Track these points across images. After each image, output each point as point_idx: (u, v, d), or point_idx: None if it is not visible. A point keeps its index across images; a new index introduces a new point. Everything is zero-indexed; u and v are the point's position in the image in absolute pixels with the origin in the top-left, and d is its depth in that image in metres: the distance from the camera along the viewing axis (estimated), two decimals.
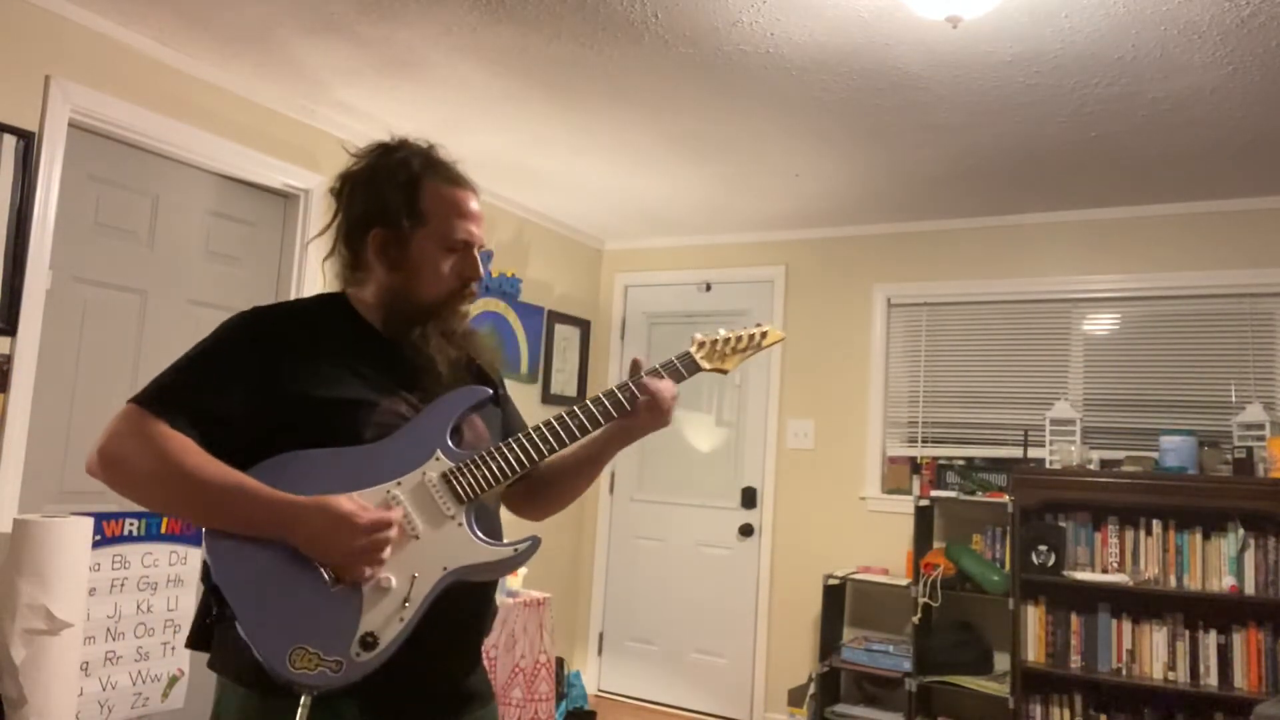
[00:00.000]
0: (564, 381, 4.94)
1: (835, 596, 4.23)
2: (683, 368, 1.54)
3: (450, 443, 1.35)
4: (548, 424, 1.41)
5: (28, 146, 2.60)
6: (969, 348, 4.34)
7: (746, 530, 4.68)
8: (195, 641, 1.33)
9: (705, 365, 1.56)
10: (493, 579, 1.41)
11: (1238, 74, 2.71)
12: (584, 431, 1.43)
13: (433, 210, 1.40)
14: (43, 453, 2.71)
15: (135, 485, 1.26)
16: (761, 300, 4.83)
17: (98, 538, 2.57)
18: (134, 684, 2.71)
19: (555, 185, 4.23)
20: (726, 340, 1.59)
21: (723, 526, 4.76)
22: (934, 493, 4.07)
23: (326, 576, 1.25)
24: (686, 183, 4.07)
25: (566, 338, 4.97)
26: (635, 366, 1.51)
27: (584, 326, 5.11)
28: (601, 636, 5.01)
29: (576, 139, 3.58)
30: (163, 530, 2.80)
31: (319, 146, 3.50)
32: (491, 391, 1.44)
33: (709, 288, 5.01)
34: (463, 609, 1.35)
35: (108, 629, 2.64)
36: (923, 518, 4.03)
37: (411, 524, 1.30)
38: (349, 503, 1.24)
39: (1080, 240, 4.13)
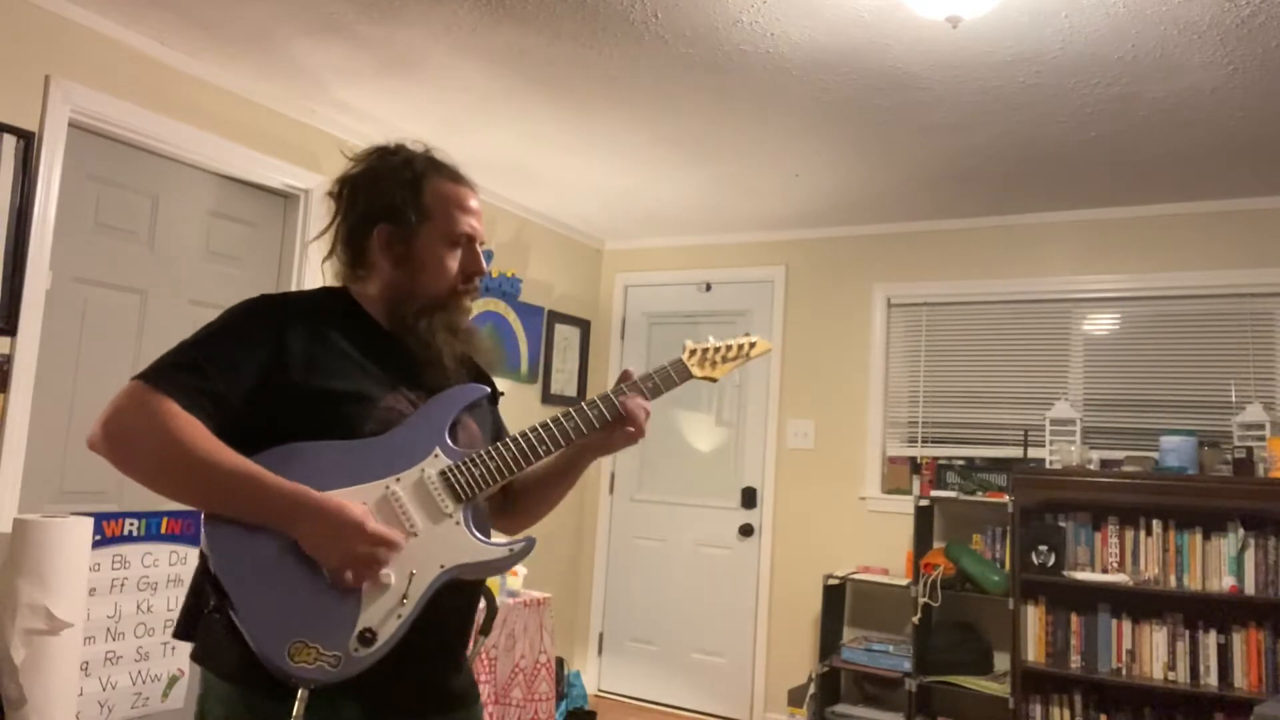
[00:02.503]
0: (564, 381, 4.94)
1: (835, 596, 4.23)
2: (675, 374, 1.56)
3: (449, 440, 1.36)
4: (544, 425, 1.42)
5: (28, 146, 2.60)
6: (969, 348, 4.34)
7: (746, 530, 4.68)
8: (182, 631, 1.32)
9: (696, 372, 1.59)
10: (486, 578, 1.42)
11: (1238, 74, 2.71)
12: (579, 434, 1.44)
13: (436, 206, 1.43)
14: (43, 453, 2.71)
15: (138, 463, 1.25)
16: (761, 300, 4.83)
17: (98, 538, 2.57)
18: (134, 684, 2.71)
19: (555, 185, 4.23)
20: (717, 349, 1.61)
21: (723, 526, 4.76)
22: (934, 493, 4.06)
23: (326, 571, 1.25)
24: (686, 183, 4.07)
25: (566, 338, 4.97)
26: (624, 377, 1.52)
27: (584, 326, 5.11)
28: (601, 636, 5.01)
29: (576, 139, 3.57)
30: (163, 530, 2.80)
31: (319, 146, 3.50)
32: (489, 390, 1.46)
33: (709, 288, 5.01)
34: (452, 608, 1.36)
35: (108, 629, 2.64)
36: (923, 518, 4.03)
37: (410, 521, 1.30)
38: (358, 509, 1.24)
39: (1080, 240, 4.13)
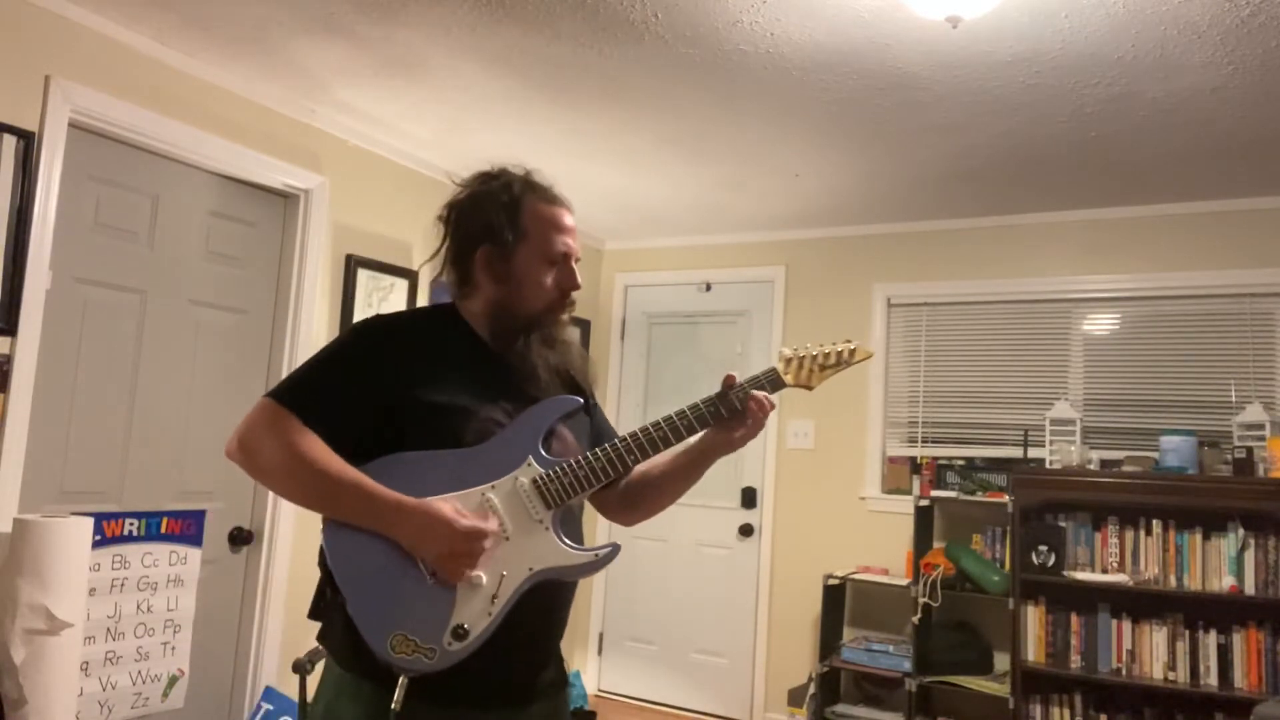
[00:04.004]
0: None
1: (835, 596, 4.23)
2: (767, 384, 1.59)
3: (542, 450, 1.45)
4: (634, 435, 1.49)
5: (28, 146, 2.60)
6: (969, 348, 4.34)
7: (746, 530, 4.68)
8: (314, 613, 1.47)
9: (789, 381, 1.61)
10: (573, 580, 1.50)
11: (1238, 74, 2.71)
12: (667, 443, 1.51)
13: (533, 226, 1.54)
14: (43, 453, 2.71)
15: (267, 474, 1.41)
16: (761, 300, 4.83)
17: (98, 538, 2.57)
18: (134, 684, 2.71)
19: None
20: (814, 357, 1.63)
21: (723, 526, 4.76)
22: (934, 493, 4.06)
23: (425, 571, 1.36)
24: (686, 183, 4.07)
25: None
26: (728, 382, 1.56)
27: (584, 326, 5.11)
28: (601, 636, 5.01)
29: (576, 139, 3.58)
30: (163, 530, 2.80)
31: (319, 146, 3.50)
32: (582, 401, 1.54)
33: (709, 288, 5.01)
34: (542, 607, 1.45)
35: (108, 629, 2.64)
36: (923, 518, 4.03)
37: (503, 526, 1.40)
38: (449, 509, 1.36)
39: (1080, 240, 4.13)
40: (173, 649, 2.81)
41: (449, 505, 1.37)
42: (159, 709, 2.78)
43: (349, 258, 3.61)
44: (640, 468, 1.58)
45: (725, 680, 4.64)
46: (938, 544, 4.10)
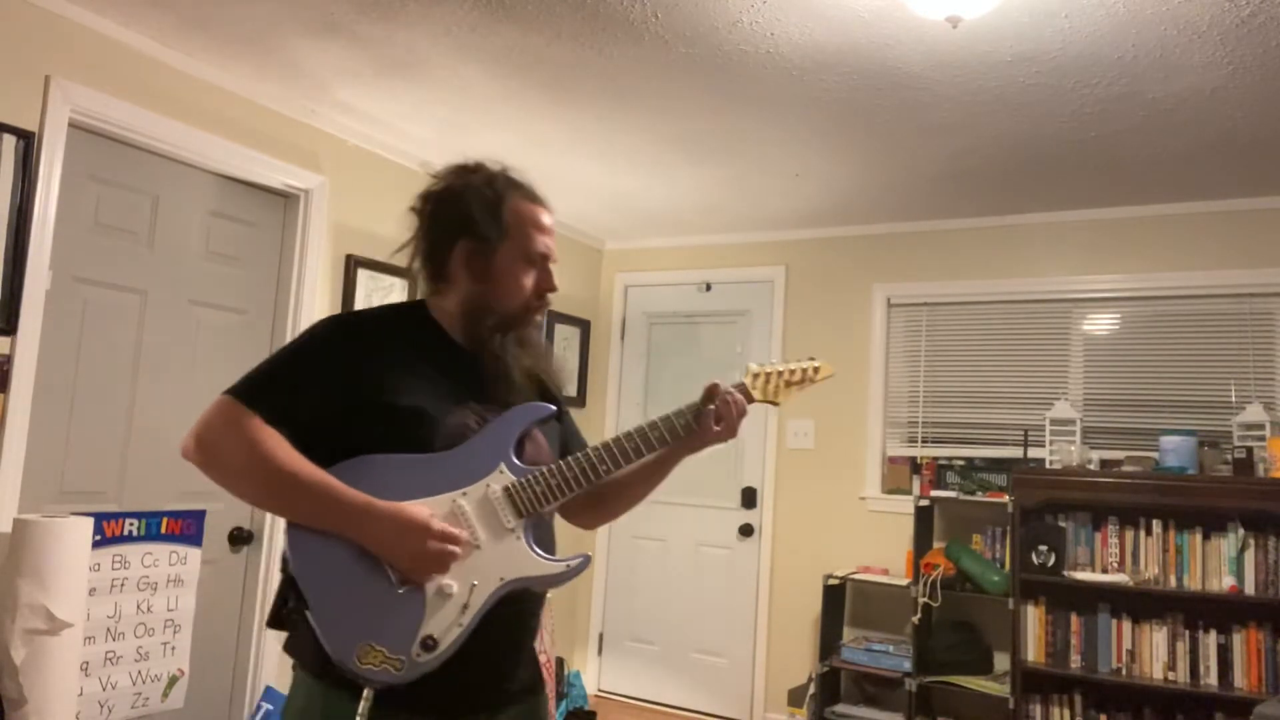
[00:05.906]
0: (563, 381, 4.93)
1: (835, 596, 4.23)
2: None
3: (514, 457, 1.42)
4: (606, 445, 1.46)
5: (28, 146, 2.60)
6: (969, 348, 4.34)
7: (746, 530, 4.68)
8: (273, 622, 1.41)
9: (758, 397, 1.60)
10: (544, 590, 1.48)
11: (1238, 74, 2.71)
12: (639, 454, 1.48)
13: (515, 225, 1.49)
14: (43, 453, 2.71)
15: (226, 474, 1.35)
16: (761, 300, 4.83)
17: (98, 538, 2.57)
18: (134, 684, 2.71)
19: (555, 185, 4.23)
20: (780, 374, 1.63)
21: (723, 526, 4.76)
22: (934, 493, 4.07)
23: (393, 578, 1.32)
24: (686, 183, 4.07)
25: (566, 338, 4.97)
26: (711, 391, 1.53)
27: (584, 326, 5.11)
28: (601, 636, 5.01)
29: (576, 139, 3.58)
30: (163, 530, 2.80)
31: (319, 146, 3.50)
32: (555, 408, 1.52)
33: (709, 288, 5.01)
34: (514, 616, 1.42)
35: (108, 629, 2.64)
36: (923, 518, 4.03)
37: (474, 534, 1.37)
38: (422, 510, 1.33)
39: (1080, 240, 4.13)
40: (173, 649, 2.81)
41: (423, 508, 1.33)
42: (159, 709, 2.78)
43: (349, 258, 3.61)
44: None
45: (725, 680, 4.64)
46: (938, 544, 4.10)
